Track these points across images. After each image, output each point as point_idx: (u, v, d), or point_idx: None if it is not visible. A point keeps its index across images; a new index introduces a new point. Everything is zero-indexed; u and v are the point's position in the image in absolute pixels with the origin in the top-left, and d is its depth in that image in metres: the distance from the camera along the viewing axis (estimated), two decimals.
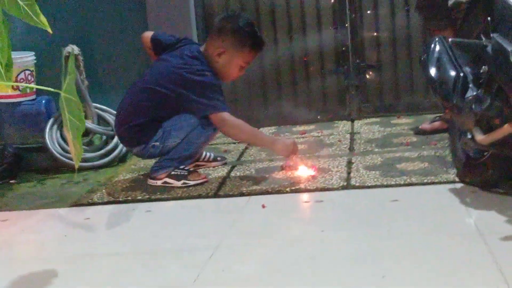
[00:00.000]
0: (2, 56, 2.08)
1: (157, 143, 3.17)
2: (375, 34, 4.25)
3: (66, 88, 2.19)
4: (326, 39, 4.26)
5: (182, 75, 3.12)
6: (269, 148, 3.31)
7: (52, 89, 2.25)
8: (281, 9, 4.26)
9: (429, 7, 3.42)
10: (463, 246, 2.21)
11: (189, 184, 3.14)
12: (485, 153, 2.61)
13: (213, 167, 3.45)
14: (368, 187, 2.92)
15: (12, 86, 3.70)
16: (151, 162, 3.33)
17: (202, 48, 3.24)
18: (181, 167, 3.18)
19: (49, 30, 2.04)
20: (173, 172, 3.16)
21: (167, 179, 3.16)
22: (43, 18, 2.02)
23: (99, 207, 3.05)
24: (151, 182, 3.22)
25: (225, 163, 3.51)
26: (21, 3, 2.00)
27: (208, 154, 3.50)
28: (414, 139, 3.62)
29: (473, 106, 2.43)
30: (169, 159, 3.17)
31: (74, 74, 2.24)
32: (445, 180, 2.87)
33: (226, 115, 3.12)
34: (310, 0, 4.23)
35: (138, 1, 4.15)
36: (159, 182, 3.18)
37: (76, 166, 2.24)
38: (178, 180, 3.15)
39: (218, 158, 3.53)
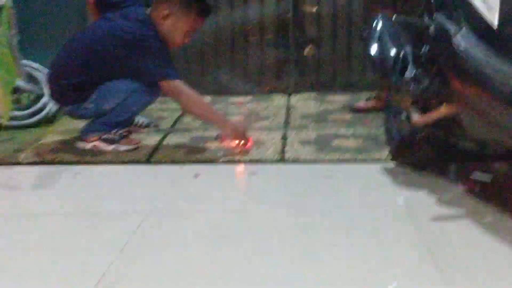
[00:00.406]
0: None
1: (91, 105, 3.05)
2: (316, 8, 4.24)
3: None
4: (268, 11, 4.23)
5: (129, 39, 2.96)
6: (218, 127, 3.15)
7: None
8: None
9: None
10: (392, 224, 2.23)
11: (121, 149, 3.06)
12: (418, 134, 2.63)
13: (145, 132, 3.38)
14: (302, 161, 2.91)
15: None
16: (81, 124, 3.23)
17: (147, 11, 3.10)
18: (113, 131, 3.09)
19: None
20: (104, 136, 3.07)
21: (98, 143, 3.08)
22: None
23: (26, 167, 2.95)
24: (80, 144, 3.12)
25: (158, 130, 3.44)
26: None
27: (141, 119, 3.42)
28: (349, 116, 3.64)
29: (411, 86, 2.44)
30: (102, 123, 3.08)
31: (6, 26, 2.14)
32: (378, 159, 2.89)
33: (179, 83, 2.99)
34: None
35: None
36: (89, 145, 3.09)
37: (3, 123, 2.15)
38: (109, 144, 3.07)
39: (151, 125, 3.46)
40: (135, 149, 3.09)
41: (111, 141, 3.07)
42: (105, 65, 3.01)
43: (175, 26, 3.07)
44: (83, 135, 3.12)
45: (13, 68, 2.06)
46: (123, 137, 3.12)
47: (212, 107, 3.29)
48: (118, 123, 3.10)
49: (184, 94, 3.01)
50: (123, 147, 3.07)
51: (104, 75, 3.04)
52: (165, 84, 2.99)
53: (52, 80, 3.15)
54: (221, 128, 3.11)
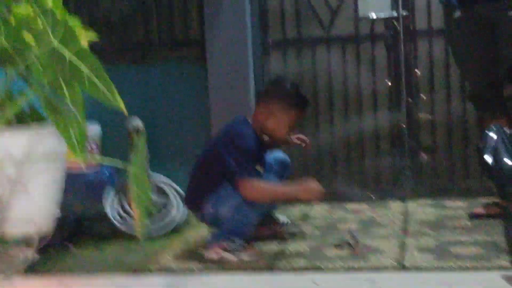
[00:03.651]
0: (78, 131, 2.22)
1: (212, 208, 3.28)
2: (430, 117, 4.32)
3: (136, 165, 2.32)
4: (382, 121, 4.36)
5: (224, 138, 3.32)
6: (292, 196, 3.32)
7: (120, 165, 2.35)
8: (338, 91, 4.40)
9: (482, 96, 3.47)
10: None
11: (243, 259, 3.19)
12: None
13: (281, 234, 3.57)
14: (422, 269, 2.92)
15: None
16: (205, 233, 3.41)
17: (249, 118, 3.42)
18: (236, 240, 3.23)
19: (125, 112, 2.18)
20: (228, 246, 3.22)
21: (222, 253, 3.22)
22: (119, 100, 2.17)
23: (156, 276, 3.12)
24: (206, 254, 3.28)
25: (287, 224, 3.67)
26: (100, 87, 2.14)
27: (282, 219, 3.67)
28: (468, 223, 3.62)
29: None
30: (225, 232, 3.25)
31: (145, 152, 2.36)
32: (500, 267, 2.86)
33: (244, 180, 3.19)
34: (367, 83, 4.37)
35: (201, 86, 4.40)
36: (214, 255, 3.24)
37: (141, 239, 2.34)
38: (233, 254, 3.20)
39: (288, 224, 3.69)
40: (258, 258, 3.21)
41: (235, 251, 3.21)
42: (216, 166, 3.28)
43: (277, 124, 3.34)
44: (207, 245, 3.29)
45: (150, 191, 2.26)
46: (246, 247, 3.26)
47: (278, 185, 3.41)
48: (238, 233, 3.24)
49: (248, 187, 3.18)
50: (245, 256, 3.20)
51: (219, 177, 3.28)
52: (237, 184, 3.20)
53: (188, 190, 3.48)
54: (296, 195, 3.25)
